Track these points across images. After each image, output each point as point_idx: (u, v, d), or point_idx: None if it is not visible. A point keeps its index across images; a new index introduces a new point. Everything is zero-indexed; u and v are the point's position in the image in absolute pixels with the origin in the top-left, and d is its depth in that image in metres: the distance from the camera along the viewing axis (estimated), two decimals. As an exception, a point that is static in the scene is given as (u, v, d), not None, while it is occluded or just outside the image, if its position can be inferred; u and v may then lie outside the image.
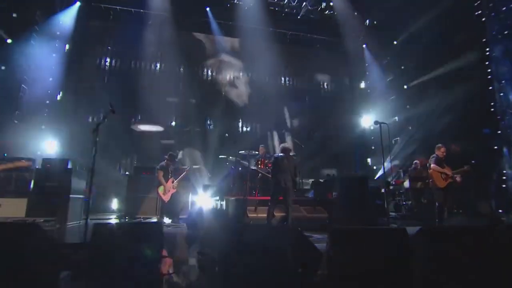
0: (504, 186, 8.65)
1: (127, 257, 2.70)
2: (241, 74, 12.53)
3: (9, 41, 8.60)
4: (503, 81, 9.13)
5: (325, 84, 13.33)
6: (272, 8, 12.03)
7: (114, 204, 9.60)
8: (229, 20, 11.93)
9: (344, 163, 12.59)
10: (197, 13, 11.58)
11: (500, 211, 8.27)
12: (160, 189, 7.14)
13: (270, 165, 7.73)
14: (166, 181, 7.14)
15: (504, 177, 8.70)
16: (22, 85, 8.97)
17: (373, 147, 12.84)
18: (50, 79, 9.80)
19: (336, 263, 2.44)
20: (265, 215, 6.08)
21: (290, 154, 6.26)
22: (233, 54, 12.43)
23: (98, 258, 2.72)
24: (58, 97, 10.06)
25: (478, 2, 9.80)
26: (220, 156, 9.15)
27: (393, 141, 12.12)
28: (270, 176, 7.12)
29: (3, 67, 8.50)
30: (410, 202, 8.48)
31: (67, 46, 10.08)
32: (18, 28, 8.67)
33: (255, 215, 6.60)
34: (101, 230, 2.94)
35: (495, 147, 8.90)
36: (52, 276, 2.77)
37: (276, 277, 2.45)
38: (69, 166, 7.42)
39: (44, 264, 2.74)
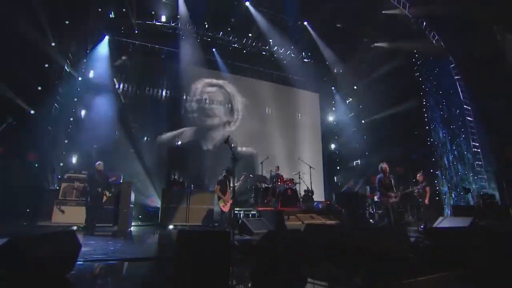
0: (437, 198, 10.83)
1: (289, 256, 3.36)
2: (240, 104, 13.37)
3: (46, 65, 8.47)
4: (435, 123, 11.57)
5: (301, 115, 14.77)
6: (264, 53, 13.35)
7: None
8: (229, 60, 12.93)
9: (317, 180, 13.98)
10: (205, 52, 12.34)
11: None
12: (220, 202, 7.03)
13: (288, 182, 8.75)
14: (224, 194, 7.03)
15: (437, 192, 10.90)
16: (55, 104, 8.76)
17: (338, 168, 14.59)
18: (75, 99, 9.64)
19: (430, 250, 3.57)
20: (294, 222, 7.06)
21: (386, 174, 7.01)
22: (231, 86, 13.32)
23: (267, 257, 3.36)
24: (82, 114, 9.85)
25: (416, 67, 12.33)
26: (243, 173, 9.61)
27: (354, 163, 14.10)
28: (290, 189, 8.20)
29: (39, 88, 8.30)
30: (381, 211, 9.97)
31: (92, 72, 10.03)
32: (54, 57, 8.60)
33: (288, 222, 7.25)
34: (269, 237, 3.62)
35: (431, 171, 11.12)
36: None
37: (394, 261, 3.29)
38: (121, 180, 7.62)
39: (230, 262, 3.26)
